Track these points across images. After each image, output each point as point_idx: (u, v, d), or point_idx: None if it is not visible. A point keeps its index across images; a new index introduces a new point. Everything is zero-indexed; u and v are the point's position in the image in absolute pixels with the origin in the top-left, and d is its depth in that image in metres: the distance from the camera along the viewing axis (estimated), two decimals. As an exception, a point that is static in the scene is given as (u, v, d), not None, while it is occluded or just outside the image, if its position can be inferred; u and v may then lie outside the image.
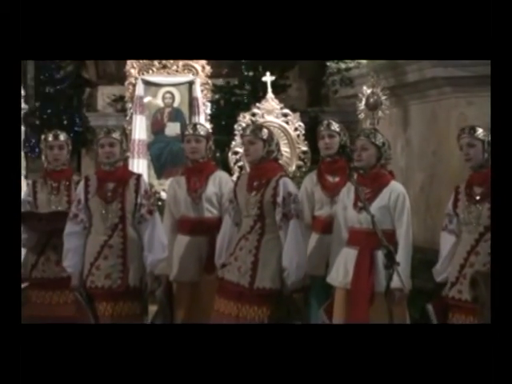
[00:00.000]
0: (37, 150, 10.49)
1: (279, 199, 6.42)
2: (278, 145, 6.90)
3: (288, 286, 6.48)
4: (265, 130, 6.78)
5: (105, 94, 12.60)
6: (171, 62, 11.07)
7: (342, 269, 6.26)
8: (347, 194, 6.24)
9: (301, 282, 6.54)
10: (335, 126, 7.03)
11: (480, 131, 6.06)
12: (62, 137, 7.34)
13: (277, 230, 6.46)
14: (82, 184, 6.83)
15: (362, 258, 6.09)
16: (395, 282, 5.79)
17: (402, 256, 6.07)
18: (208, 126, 9.46)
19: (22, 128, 10.94)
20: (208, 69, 11.06)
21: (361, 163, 6.27)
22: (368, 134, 6.45)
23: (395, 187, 6.30)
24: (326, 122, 7.16)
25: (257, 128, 6.85)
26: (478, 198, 6.01)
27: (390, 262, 5.39)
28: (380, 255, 5.88)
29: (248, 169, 7.61)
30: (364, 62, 9.86)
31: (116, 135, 6.89)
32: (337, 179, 6.78)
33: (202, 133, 7.22)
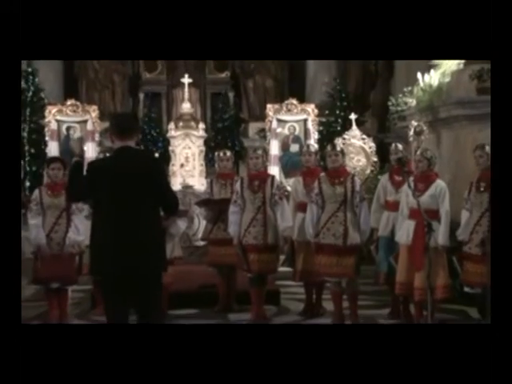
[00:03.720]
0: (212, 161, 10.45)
1: (357, 188, 6.39)
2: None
3: (364, 241, 6.49)
4: (341, 148, 6.92)
5: (253, 127, 12.62)
6: (293, 107, 11.12)
7: (405, 233, 6.18)
8: (407, 186, 6.03)
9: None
10: (400, 147, 6.99)
11: (487, 148, 5.94)
12: (229, 153, 7.43)
13: (353, 209, 6.38)
14: (239, 182, 6.91)
15: (418, 226, 5.95)
16: (438, 242, 5.91)
17: (444, 225, 6.05)
18: (316, 146, 9.39)
19: (203, 148, 10.98)
20: (316, 111, 11.10)
21: (418, 169, 6.24)
22: (422, 151, 6.40)
23: (439, 183, 6.21)
24: (394, 145, 7.11)
25: (335, 147, 6.86)
26: (482, 189, 5.97)
27: (429, 230, 5.41)
28: (429, 225, 5.62)
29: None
30: (413, 105, 9.55)
31: (260, 152, 7.00)
32: (401, 178, 6.59)
33: (313, 150, 7.26)
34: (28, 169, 10.95)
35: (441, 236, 6.07)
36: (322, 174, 6.85)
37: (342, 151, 6.83)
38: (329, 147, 6.82)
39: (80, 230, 6.21)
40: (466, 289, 6.13)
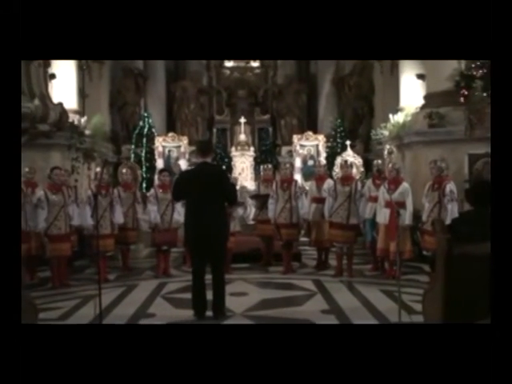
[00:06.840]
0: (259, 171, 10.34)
1: (359, 189, 6.41)
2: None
3: (360, 222, 6.47)
4: (351, 162, 7.03)
5: (284, 149, 12.24)
6: (309, 136, 10.89)
7: (383, 217, 6.06)
8: (383, 186, 6.08)
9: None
10: (379, 163, 6.93)
11: (438, 162, 5.97)
12: (270, 166, 7.55)
13: (355, 202, 6.35)
14: (275, 184, 6.81)
15: (391, 212, 5.70)
16: (404, 222, 5.87)
17: (408, 212, 5.98)
18: (324, 161, 9.38)
19: (253, 163, 10.64)
20: (324, 139, 10.93)
21: (391, 176, 6.17)
22: (393, 164, 6.40)
23: (405, 185, 6.15)
24: (375, 161, 7.04)
25: (347, 162, 6.93)
26: (434, 189, 5.87)
27: (397, 215, 5.19)
28: (398, 212, 5.11)
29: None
30: (386, 135, 9.31)
31: (288, 165, 7.19)
32: (379, 181, 6.49)
33: (322, 164, 7.42)
34: (144, 176, 11.19)
35: (406, 219, 6.01)
36: (337, 179, 6.85)
37: (352, 165, 7.03)
38: (343, 162, 6.91)
39: (181, 213, 6.29)
40: (424, 252, 6.04)
